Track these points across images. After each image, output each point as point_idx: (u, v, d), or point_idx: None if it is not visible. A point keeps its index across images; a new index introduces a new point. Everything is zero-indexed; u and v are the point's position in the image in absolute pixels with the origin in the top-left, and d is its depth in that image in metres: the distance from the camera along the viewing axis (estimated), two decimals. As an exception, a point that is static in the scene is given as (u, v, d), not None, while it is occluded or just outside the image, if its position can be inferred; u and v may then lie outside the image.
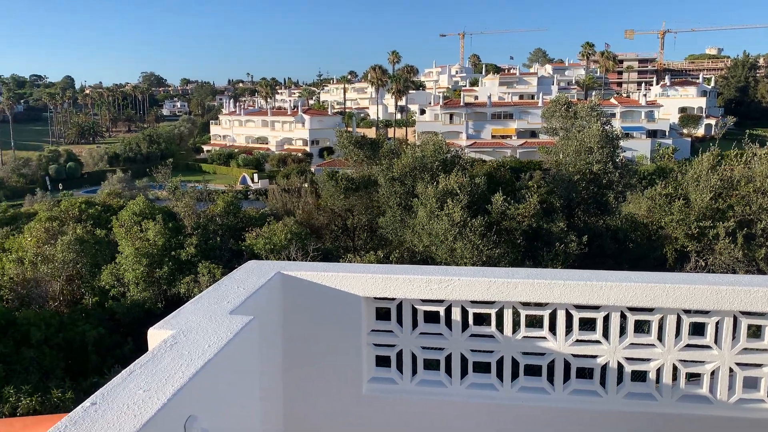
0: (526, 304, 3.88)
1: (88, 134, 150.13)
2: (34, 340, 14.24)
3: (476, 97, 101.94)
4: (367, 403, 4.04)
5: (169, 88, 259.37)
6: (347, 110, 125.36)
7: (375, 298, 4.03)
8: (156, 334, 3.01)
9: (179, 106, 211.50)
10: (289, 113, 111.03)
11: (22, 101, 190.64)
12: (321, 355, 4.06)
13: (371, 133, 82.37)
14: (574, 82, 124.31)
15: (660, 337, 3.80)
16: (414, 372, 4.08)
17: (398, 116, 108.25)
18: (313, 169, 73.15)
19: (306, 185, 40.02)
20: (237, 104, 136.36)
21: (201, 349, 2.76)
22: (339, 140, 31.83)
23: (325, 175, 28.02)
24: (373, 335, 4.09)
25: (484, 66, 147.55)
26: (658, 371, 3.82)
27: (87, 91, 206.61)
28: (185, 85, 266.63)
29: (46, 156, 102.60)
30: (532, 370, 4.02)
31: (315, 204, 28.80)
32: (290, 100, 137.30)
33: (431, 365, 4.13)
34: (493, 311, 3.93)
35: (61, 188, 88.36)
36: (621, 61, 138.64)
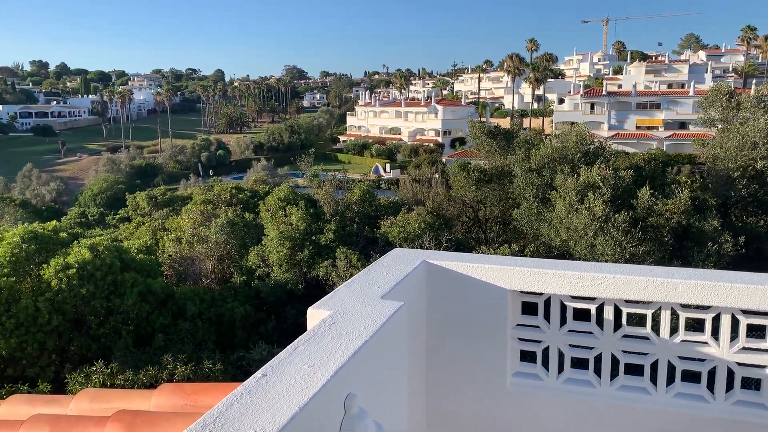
0: (686, 306, 3.66)
1: (236, 124, 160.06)
2: (189, 314, 15.55)
3: (620, 86, 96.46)
4: (510, 396, 4.02)
5: (310, 81, 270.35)
6: (481, 100, 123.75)
7: (521, 291, 3.99)
8: (315, 314, 3.16)
9: (318, 97, 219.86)
10: (422, 104, 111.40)
11: (178, 93, 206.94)
12: (464, 346, 4.09)
13: (505, 123, 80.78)
14: (731, 69, 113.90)
15: None
16: (560, 369, 4.00)
17: (535, 106, 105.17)
18: (444, 160, 73.08)
19: (437, 176, 40.08)
20: (372, 95, 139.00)
21: (357, 330, 2.86)
22: (471, 130, 31.49)
23: (457, 166, 27.85)
24: (518, 329, 4.05)
25: (629, 53, 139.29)
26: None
27: (235, 84, 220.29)
28: (324, 77, 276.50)
29: (199, 144, 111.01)
30: (689, 377, 3.79)
31: (445, 195, 28.76)
32: (424, 91, 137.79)
33: (577, 363, 4.03)
34: (649, 312, 3.75)
35: (211, 174, 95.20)
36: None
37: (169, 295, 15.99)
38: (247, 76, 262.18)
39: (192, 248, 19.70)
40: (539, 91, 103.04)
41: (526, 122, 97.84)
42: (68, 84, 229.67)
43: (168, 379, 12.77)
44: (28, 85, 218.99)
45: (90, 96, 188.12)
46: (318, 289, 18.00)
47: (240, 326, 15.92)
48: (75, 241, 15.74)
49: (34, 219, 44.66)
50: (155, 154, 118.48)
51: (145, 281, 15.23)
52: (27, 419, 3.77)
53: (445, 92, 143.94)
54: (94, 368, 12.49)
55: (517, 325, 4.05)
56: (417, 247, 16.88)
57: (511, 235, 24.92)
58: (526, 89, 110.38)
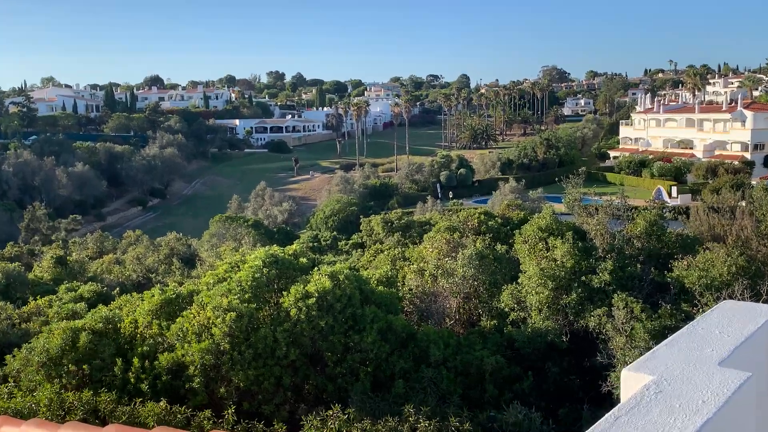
0: None
1: (481, 138, 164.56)
2: (432, 359, 16.09)
3: None
4: None
5: (572, 84, 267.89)
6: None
7: None
8: (632, 377, 3.18)
9: (583, 104, 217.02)
10: (723, 109, 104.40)
11: (417, 103, 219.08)
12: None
13: None
14: None
15: None
16: None
17: None
18: (754, 183, 67.16)
19: (742, 203, 36.92)
20: (654, 99, 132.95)
21: (695, 404, 2.84)
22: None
23: (761, 188, 25.37)
24: None
25: None
26: None
27: (482, 90, 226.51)
28: (591, 78, 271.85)
29: (438, 161, 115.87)
30: None
31: (754, 229, 26.19)
32: (726, 92, 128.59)
33: None
34: None
35: (450, 196, 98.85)
36: None
37: (411, 335, 16.71)
38: (496, 80, 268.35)
39: (435, 282, 20.49)
40: None
41: None
42: (303, 96, 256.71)
43: (409, 434, 13.37)
44: (264, 98, 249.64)
45: (324, 108, 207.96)
46: (587, 343, 17.45)
47: (490, 380, 16.05)
48: (315, 268, 17.31)
49: (266, 241, 50.27)
50: (390, 173, 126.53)
51: (385, 317, 16.13)
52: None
53: (756, 93, 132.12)
54: (331, 412, 13.53)
55: None
56: (725, 298, 15.63)
57: None
58: None
